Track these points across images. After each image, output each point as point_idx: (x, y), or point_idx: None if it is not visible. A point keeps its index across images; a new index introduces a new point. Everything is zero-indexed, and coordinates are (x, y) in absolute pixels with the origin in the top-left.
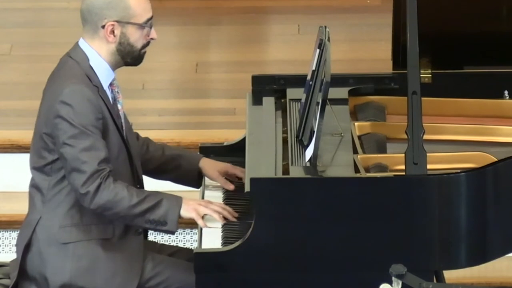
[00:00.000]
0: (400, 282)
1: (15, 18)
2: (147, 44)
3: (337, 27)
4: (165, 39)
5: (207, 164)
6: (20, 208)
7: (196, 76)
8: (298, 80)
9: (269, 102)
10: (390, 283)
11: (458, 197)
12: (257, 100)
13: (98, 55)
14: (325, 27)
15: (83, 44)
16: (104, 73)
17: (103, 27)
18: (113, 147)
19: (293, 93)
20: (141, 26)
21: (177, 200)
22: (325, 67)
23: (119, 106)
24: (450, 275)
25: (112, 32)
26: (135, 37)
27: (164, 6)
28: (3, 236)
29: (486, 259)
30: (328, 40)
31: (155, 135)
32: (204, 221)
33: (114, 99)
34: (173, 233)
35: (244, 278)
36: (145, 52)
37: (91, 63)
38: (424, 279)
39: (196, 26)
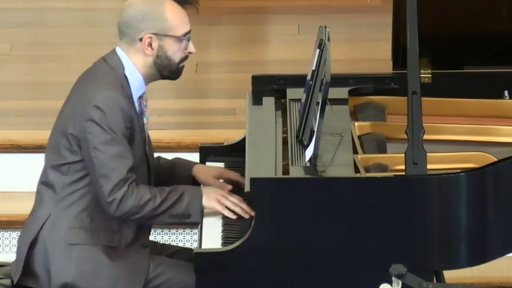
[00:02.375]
0: (400, 282)
1: (15, 18)
2: (185, 58)
3: (337, 27)
4: None
5: (201, 171)
6: (20, 208)
7: (196, 76)
8: (298, 80)
9: (269, 102)
10: (390, 283)
11: (458, 197)
12: (257, 100)
13: (134, 66)
14: (325, 27)
15: (120, 52)
16: (137, 85)
17: (140, 39)
18: (135, 159)
19: (293, 93)
20: (179, 39)
21: (198, 191)
22: (325, 67)
23: (145, 120)
24: (450, 275)
25: (150, 44)
26: (173, 50)
27: None
28: (3, 236)
29: (486, 259)
30: (328, 40)
31: (155, 135)
32: (228, 212)
33: (141, 112)
34: (197, 224)
35: (244, 278)
36: (183, 66)
37: (126, 72)
38: (424, 279)
39: (196, 26)
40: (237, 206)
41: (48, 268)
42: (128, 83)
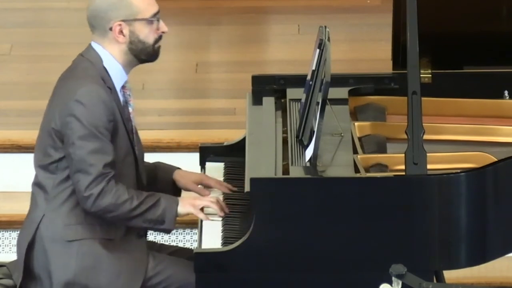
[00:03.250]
0: (400, 282)
1: (15, 18)
2: (159, 38)
3: (337, 27)
4: (165, 39)
5: (181, 176)
6: (20, 208)
7: (196, 76)
8: (298, 80)
9: (269, 102)
10: (390, 283)
11: (458, 197)
12: (257, 100)
13: (112, 56)
14: (325, 27)
15: (96, 46)
16: (117, 75)
17: (111, 29)
18: (120, 150)
19: (293, 93)
20: (149, 21)
21: (174, 199)
22: (325, 67)
23: (130, 109)
24: (450, 275)
25: (121, 32)
26: (145, 33)
27: (164, 6)
28: (3, 236)
29: (486, 259)
30: (328, 40)
31: (155, 135)
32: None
33: (126, 102)
34: (169, 231)
35: (244, 278)
36: (159, 47)
37: (105, 64)
38: (424, 279)
39: (196, 26)
40: (213, 203)
41: (49, 268)
42: (108, 74)
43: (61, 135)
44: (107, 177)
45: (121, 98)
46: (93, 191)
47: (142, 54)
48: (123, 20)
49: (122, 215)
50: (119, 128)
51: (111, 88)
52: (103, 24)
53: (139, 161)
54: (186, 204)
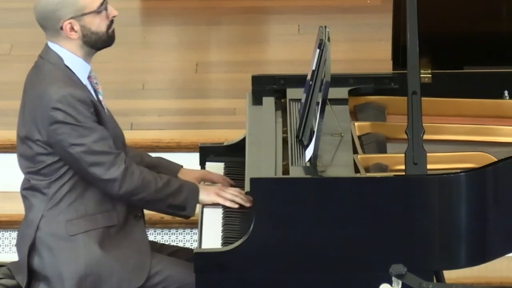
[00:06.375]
0: (400, 282)
1: (15, 18)
2: (111, 23)
3: (337, 27)
4: (165, 39)
5: (183, 174)
6: (20, 208)
7: (196, 76)
8: (298, 80)
9: (269, 102)
10: (390, 283)
11: (458, 197)
12: (257, 100)
13: (70, 52)
14: (325, 27)
15: (53, 45)
16: (80, 69)
17: (61, 28)
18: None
19: (293, 93)
20: (97, 12)
21: (195, 187)
22: (325, 67)
23: (100, 97)
24: (450, 275)
25: (72, 29)
26: (96, 24)
27: (164, 6)
28: (3, 236)
29: (486, 259)
30: (328, 40)
31: (155, 135)
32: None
33: (95, 90)
34: (189, 217)
35: (244, 278)
36: (113, 30)
37: (66, 62)
38: (424, 279)
39: (196, 26)
40: (237, 197)
41: (57, 265)
42: (72, 71)
43: (49, 143)
44: (123, 158)
45: (90, 88)
46: (115, 174)
47: (98, 43)
48: (72, 18)
49: (149, 197)
50: (102, 116)
51: (79, 84)
52: (53, 24)
53: (125, 145)
54: (211, 193)
